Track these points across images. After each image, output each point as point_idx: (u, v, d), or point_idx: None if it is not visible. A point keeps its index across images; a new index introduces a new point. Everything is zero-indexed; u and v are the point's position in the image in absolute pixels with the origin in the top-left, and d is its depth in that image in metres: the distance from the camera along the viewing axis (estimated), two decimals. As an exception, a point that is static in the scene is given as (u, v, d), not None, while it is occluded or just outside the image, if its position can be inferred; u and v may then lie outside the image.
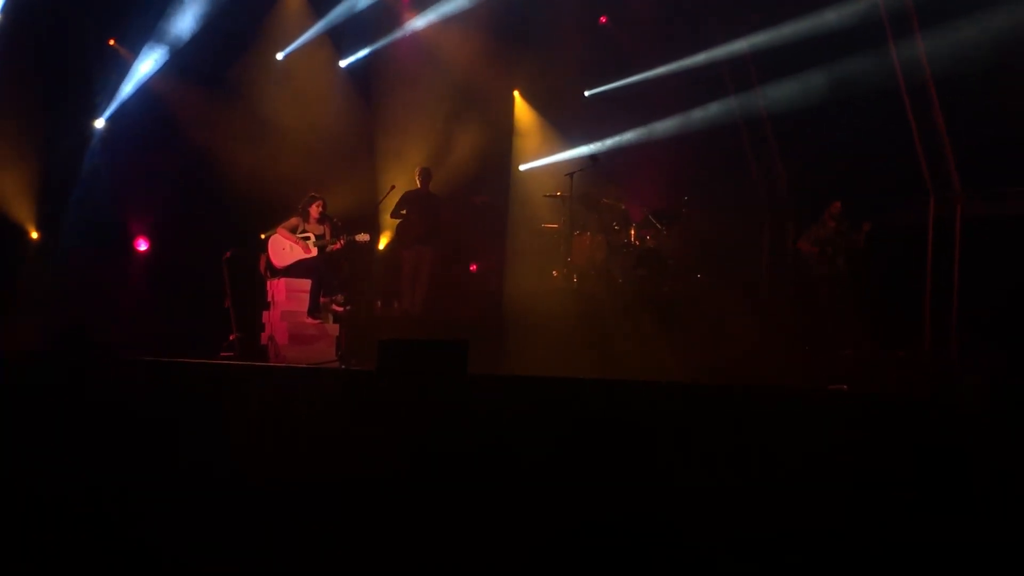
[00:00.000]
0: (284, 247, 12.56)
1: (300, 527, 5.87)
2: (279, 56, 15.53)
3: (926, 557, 5.13)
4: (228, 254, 12.73)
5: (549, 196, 14.18)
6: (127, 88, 14.47)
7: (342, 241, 12.56)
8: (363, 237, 12.68)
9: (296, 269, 12.55)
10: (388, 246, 15.43)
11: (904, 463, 5.50)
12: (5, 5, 13.31)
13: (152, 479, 6.21)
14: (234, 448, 6.32)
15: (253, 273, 12.88)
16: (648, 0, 15.63)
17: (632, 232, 13.60)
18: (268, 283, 12.66)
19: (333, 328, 12.52)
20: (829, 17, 13.41)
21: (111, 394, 7.05)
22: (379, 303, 14.60)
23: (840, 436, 5.76)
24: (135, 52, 14.44)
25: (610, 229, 13.68)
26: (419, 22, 15.82)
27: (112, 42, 14.45)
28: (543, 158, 16.26)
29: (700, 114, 15.45)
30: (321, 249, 12.54)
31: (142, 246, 14.63)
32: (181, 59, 14.60)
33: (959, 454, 5.41)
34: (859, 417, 5.97)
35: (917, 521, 5.22)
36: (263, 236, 12.85)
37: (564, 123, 16.24)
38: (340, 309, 12.55)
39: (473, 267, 16.11)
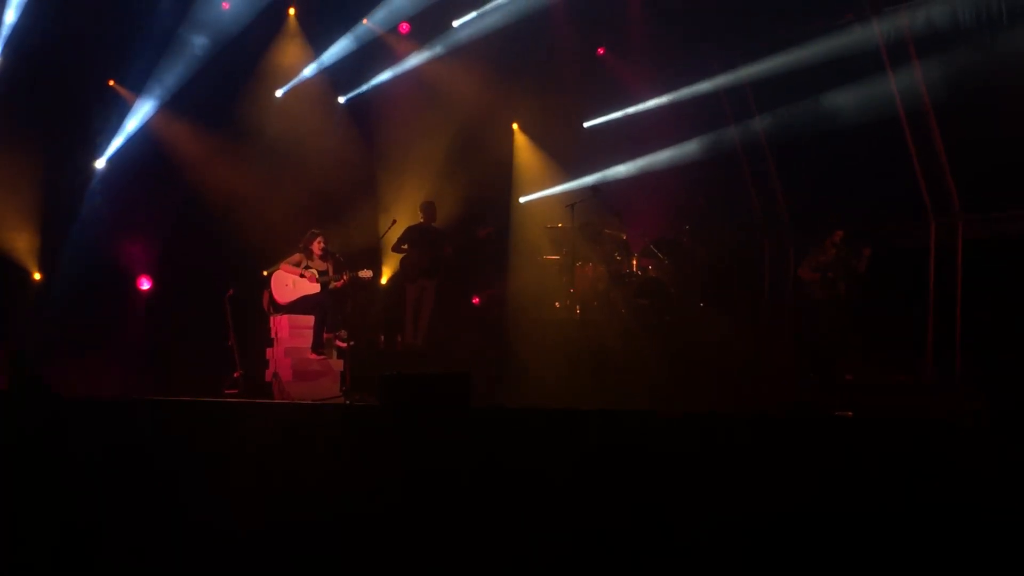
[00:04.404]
0: (287, 283, 12.60)
1: (306, 563, 5.85)
2: (278, 93, 15.59)
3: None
4: (230, 292, 12.76)
5: (551, 227, 14.20)
6: (127, 128, 14.52)
7: (345, 278, 12.58)
8: (366, 274, 12.70)
9: (299, 305, 12.57)
10: (391, 280, 15.45)
11: (911, 487, 5.48)
12: (5, 46, 13.39)
13: (158, 517, 6.20)
14: (240, 485, 6.31)
15: (256, 311, 12.89)
16: (646, 31, 15.70)
17: (634, 262, 13.61)
18: (271, 319, 12.70)
19: (337, 363, 12.51)
20: (827, 45, 13.47)
21: (116, 433, 7.04)
22: (382, 337, 14.59)
23: (846, 462, 5.74)
24: (135, 92, 14.50)
25: (612, 259, 13.68)
26: (418, 57, 15.90)
27: (112, 82, 14.50)
28: (543, 190, 16.30)
29: (700, 143, 15.49)
30: (324, 285, 12.56)
31: (144, 285, 14.62)
32: (181, 98, 14.64)
33: (965, 477, 5.39)
34: (865, 442, 5.94)
35: (923, 545, 5.20)
36: (266, 273, 12.89)
37: (564, 155, 16.28)
38: (344, 344, 12.51)
39: (475, 300, 16.11)
